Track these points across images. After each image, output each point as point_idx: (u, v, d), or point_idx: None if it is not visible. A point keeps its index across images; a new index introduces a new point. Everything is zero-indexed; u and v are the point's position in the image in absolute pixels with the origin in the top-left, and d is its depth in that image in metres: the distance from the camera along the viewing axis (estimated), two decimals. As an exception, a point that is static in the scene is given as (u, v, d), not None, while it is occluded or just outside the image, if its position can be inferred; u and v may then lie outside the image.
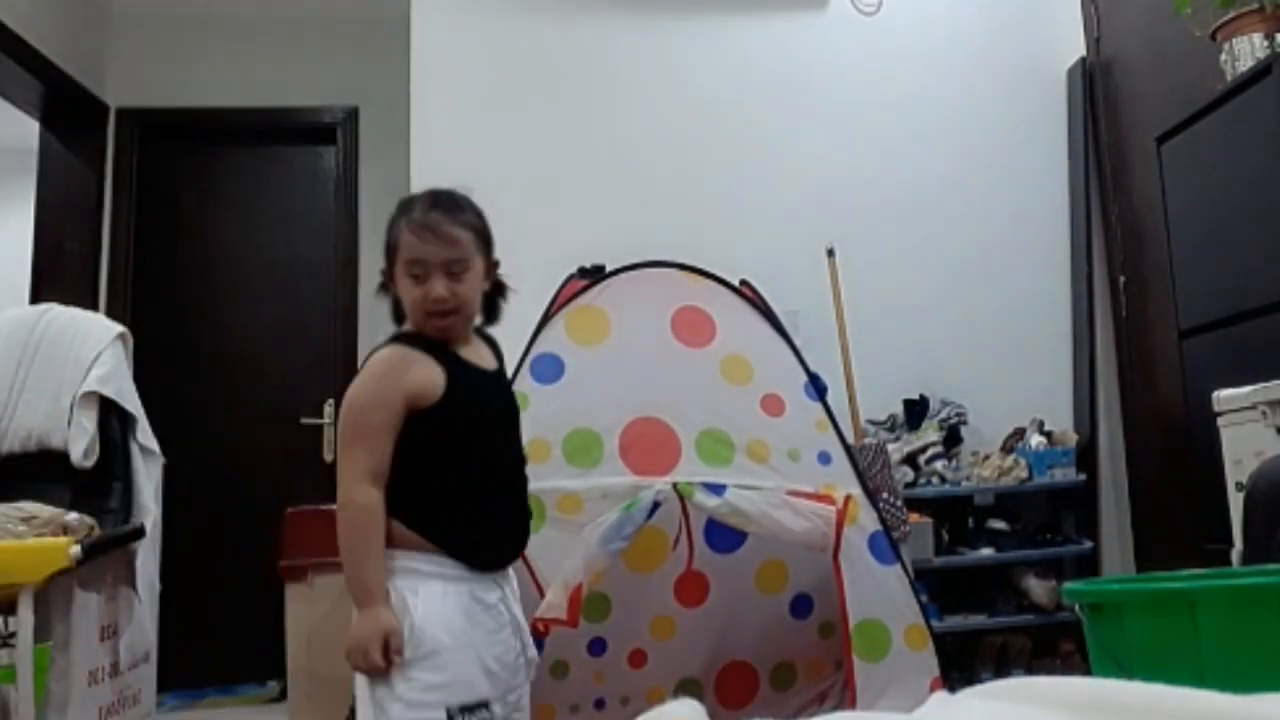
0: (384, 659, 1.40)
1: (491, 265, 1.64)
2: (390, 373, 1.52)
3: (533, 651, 1.64)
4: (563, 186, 3.59)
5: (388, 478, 1.48)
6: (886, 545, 2.15)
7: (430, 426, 1.51)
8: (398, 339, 1.59)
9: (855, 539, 2.11)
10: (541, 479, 2.03)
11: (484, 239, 1.62)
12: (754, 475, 2.12)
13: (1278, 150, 2.33)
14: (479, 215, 1.63)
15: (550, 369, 2.18)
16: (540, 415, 2.11)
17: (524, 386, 2.15)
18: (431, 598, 1.47)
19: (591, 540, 1.98)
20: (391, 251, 1.58)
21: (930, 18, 3.80)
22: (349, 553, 1.45)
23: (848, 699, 2.13)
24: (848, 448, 2.26)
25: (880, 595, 2.11)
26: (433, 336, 1.58)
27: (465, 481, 1.54)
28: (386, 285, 1.62)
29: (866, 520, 2.15)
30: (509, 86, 3.65)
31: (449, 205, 1.60)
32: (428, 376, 1.51)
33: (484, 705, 1.47)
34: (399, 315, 1.63)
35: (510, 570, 1.62)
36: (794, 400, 2.26)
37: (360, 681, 1.49)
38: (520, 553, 1.64)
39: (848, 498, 2.13)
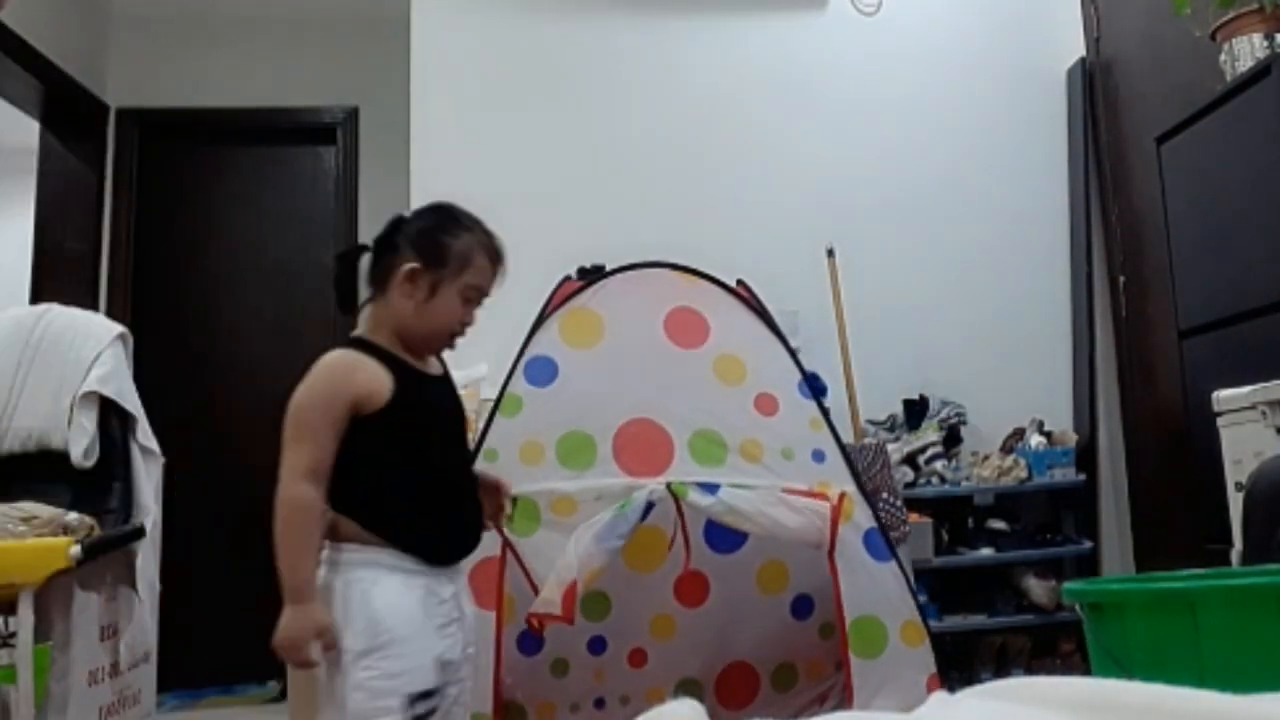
0: (312, 655, 1.43)
1: None
2: (337, 375, 1.54)
3: (474, 650, 1.68)
4: (562, 186, 3.59)
5: (340, 478, 1.51)
6: (882, 542, 2.15)
7: (380, 428, 1.53)
8: (351, 343, 1.61)
9: (850, 536, 2.11)
10: (536, 481, 2.05)
11: None
12: (747, 474, 2.12)
13: (1277, 150, 2.33)
14: None
15: (544, 372, 2.18)
16: (534, 417, 2.13)
17: (518, 389, 2.16)
18: (391, 589, 1.50)
19: (585, 538, 1.98)
20: (455, 263, 1.59)
21: (930, 18, 3.80)
22: (283, 548, 1.46)
23: (847, 698, 2.13)
24: (842, 446, 2.26)
25: (876, 592, 2.11)
26: (425, 352, 1.65)
27: (417, 481, 1.57)
28: (404, 278, 1.58)
29: (861, 517, 2.15)
30: (509, 86, 3.65)
31: None
32: (375, 380, 1.54)
33: (436, 692, 1.51)
34: (349, 300, 1.67)
35: (461, 568, 1.65)
36: (788, 399, 2.26)
37: (316, 675, 1.50)
38: (472, 549, 1.66)
39: (842, 494, 2.13)
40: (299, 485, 1.46)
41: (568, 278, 2.39)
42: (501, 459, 2.08)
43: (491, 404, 3.21)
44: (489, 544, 1.96)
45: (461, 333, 1.63)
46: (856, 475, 2.20)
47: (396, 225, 1.64)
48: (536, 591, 2.01)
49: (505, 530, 2.02)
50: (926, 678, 2.10)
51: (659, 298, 2.28)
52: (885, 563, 2.14)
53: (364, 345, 1.59)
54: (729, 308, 2.33)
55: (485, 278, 1.62)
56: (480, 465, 1.98)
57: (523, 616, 2.09)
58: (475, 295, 1.61)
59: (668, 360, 2.20)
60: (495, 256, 1.63)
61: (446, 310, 1.59)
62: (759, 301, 2.43)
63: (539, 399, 2.15)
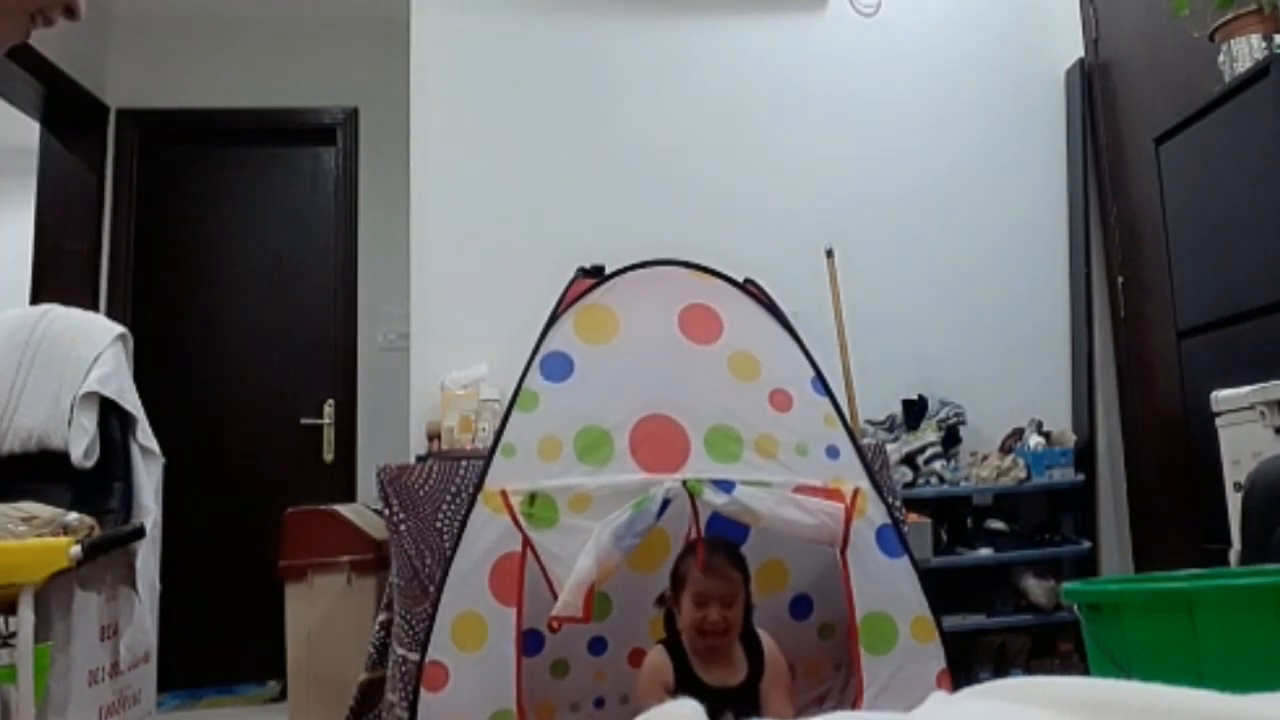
0: None
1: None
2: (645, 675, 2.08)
3: None
4: (561, 186, 3.60)
5: None
6: (894, 538, 2.14)
7: None
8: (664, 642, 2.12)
9: (864, 532, 2.11)
10: (554, 477, 2.03)
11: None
12: (763, 470, 2.11)
13: (1276, 151, 2.34)
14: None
15: (560, 367, 2.16)
16: (551, 413, 2.11)
17: (534, 384, 2.14)
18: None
19: (603, 537, 1.98)
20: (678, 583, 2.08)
21: (930, 18, 3.80)
22: None
23: (851, 697, 2.13)
24: (856, 442, 2.26)
25: (887, 588, 2.10)
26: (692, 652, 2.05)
27: None
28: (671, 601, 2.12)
29: (875, 514, 2.14)
30: (509, 87, 3.65)
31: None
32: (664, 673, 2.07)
33: None
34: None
35: None
36: (802, 395, 2.25)
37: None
38: None
39: (856, 491, 2.13)
40: None
41: (582, 269, 2.37)
42: (520, 454, 2.07)
43: (491, 402, 3.24)
44: (509, 541, 1.96)
45: (709, 630, 2.02)
46: (870, 472, 2.20)
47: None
48: (551, 587, 2.01)
49: (525, 527, 2.01)
50: (937, 673, 2.09)
51: (673, 294, 2.27)
52: (897, 559, 2.13)
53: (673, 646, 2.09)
54: (741, 304, 2.32)
55: (700, 584, 2.02)
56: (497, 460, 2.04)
57: (531, 613, 2.09)
58: (702, 600, 2.01)
59: (683, 356, 2.19)
60: (703, 566, 2.03)
61: (687, 616, 2.04)
62: (770, 299, 2.43)
63: (555, 394, 2.13)
